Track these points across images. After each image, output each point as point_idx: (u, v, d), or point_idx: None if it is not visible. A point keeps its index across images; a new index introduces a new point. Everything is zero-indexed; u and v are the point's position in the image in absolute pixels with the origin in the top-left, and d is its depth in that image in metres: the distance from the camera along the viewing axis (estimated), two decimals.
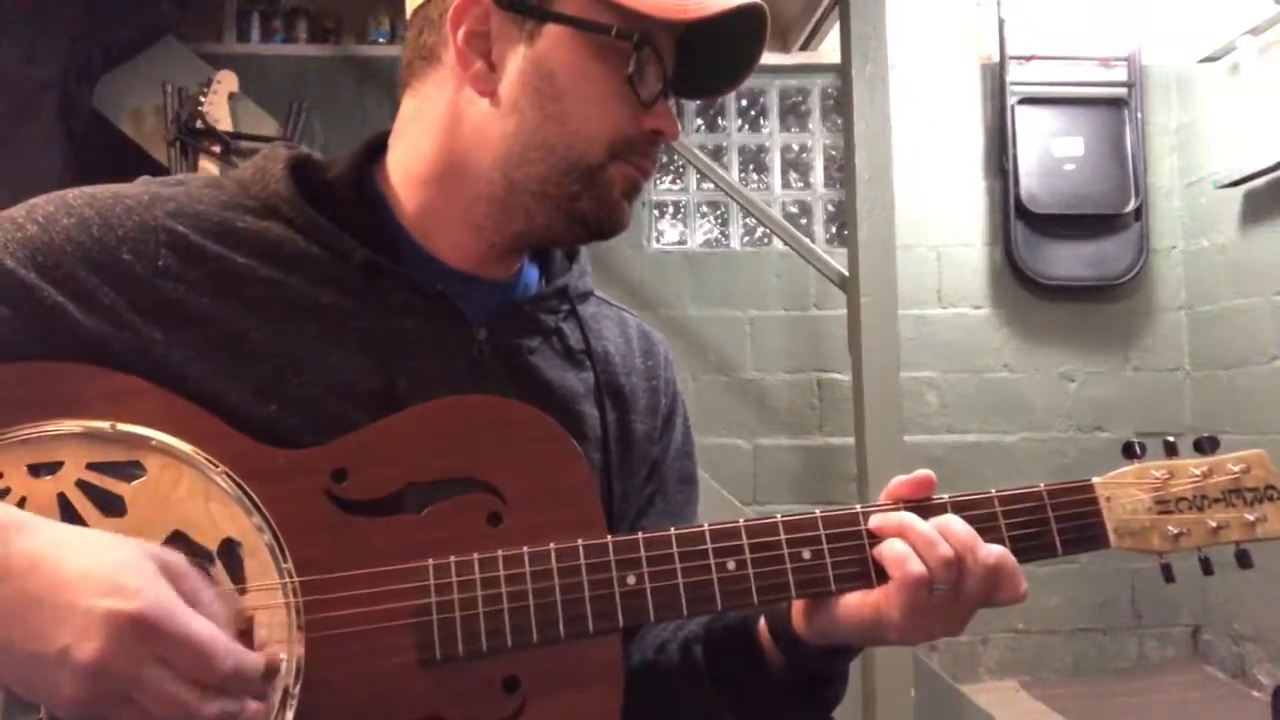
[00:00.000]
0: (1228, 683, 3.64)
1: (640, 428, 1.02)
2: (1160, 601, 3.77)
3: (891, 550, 0.84)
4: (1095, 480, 0.91)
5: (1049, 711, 3.39)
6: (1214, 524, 0.90)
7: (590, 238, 0.92)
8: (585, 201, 0.89)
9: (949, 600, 0.84)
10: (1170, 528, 0.90)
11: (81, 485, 0.77)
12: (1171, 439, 0.94)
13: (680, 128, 0.93)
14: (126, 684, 0.65)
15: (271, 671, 0.73)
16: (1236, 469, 0.91)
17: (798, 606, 0.90)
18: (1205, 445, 0.93)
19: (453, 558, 0.81)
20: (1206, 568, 0.91)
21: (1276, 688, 3.03)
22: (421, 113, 0.91)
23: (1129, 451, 0.93)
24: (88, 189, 0.86)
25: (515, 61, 0.87)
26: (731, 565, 0.84)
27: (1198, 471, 0.92)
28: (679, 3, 0.85)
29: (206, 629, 0.68)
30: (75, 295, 0.80)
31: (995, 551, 0.84)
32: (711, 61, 0.92)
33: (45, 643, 0.65)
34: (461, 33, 0.86)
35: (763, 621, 0.93)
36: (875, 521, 0.87)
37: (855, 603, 0.86)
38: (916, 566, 0.83)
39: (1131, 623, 3.82)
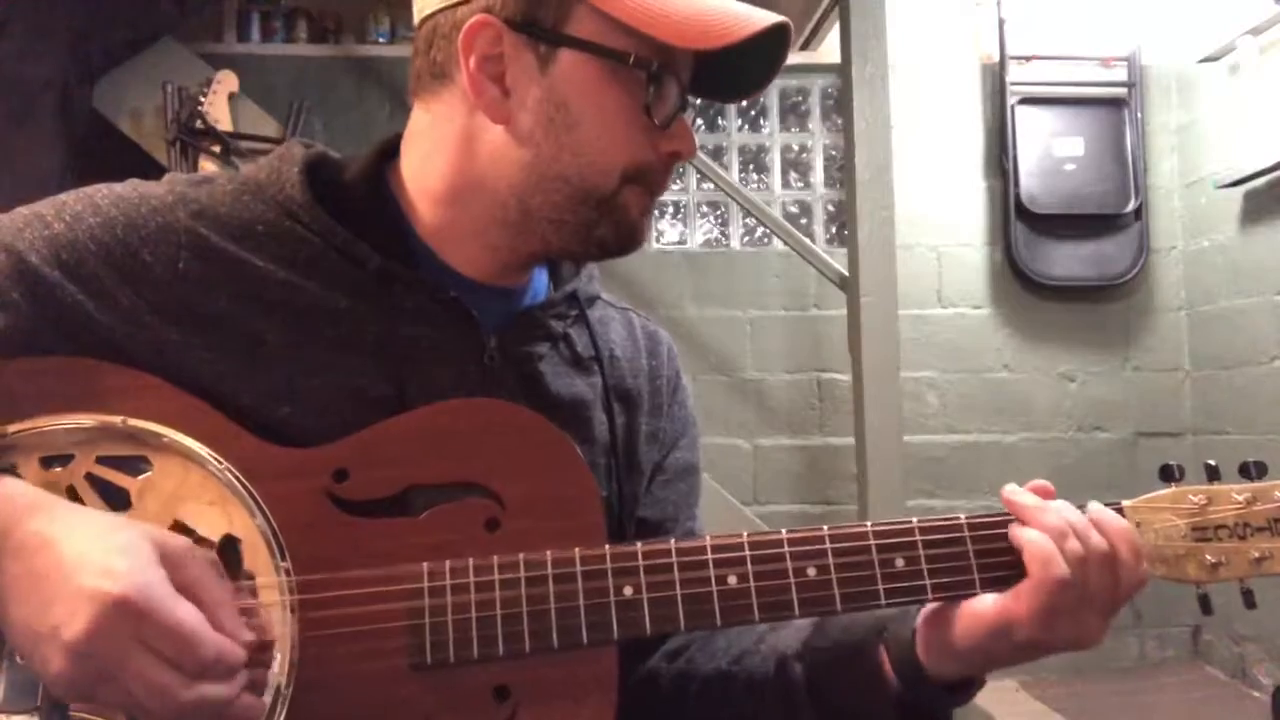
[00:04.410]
0: (1228, 683, 3.64)
1: (646, 429, 1.02)
2: (1160, 601, 3.76)
3: (1035, 544, 0.81)
4: (1126, 504, 0.87)
5: (1049, 711, 3.39)
6: (1257, 554, 0.85)
7: (608, 257, 0.92)
8: (603, 228, 0.88)
9: (1077, 598, 0.81)
10: (1208, 556, 0.85)
11: (90, 478, 0.79)
12: (1213, 463, 0.88)
13: (696, 144, 0.90)
14: (111, 665, 0.67)
15: (265, 648, 0.74)
16: None
17: (922, 632, 0.88)
18: (1251, 470, 0.87)
19: (448, 562, 0.80)
20: (1249, 600, 0.86)
21: (1276, 688, 3.04)
22: (434, 129, 0.90)
23: (1166, 474, 0.88)
24: (116, 188, 0.87)
25: (530, 88, 0.85)
26: (733, 579, 0.83)
27: (1240, 498, 0.86)
28: (700, 30, 0.82)
29: (190, 615, 0.69)
30: (95, 294, 0.82)
31: (1102, 542, 0.82)
32: (732, 70, 0.90)
33: (42, 619, 0.67)
34: (474, 59, 0.84)
35: (883, 650, 0.90)
36: (1009, 495, 0.84)
37: (978, 610, 0.84)
38: (1060, 568, 0.80)
39: (1131, 623, 3.82)
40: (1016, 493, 0.86)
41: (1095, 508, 0.85)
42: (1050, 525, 0.82)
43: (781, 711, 0.94)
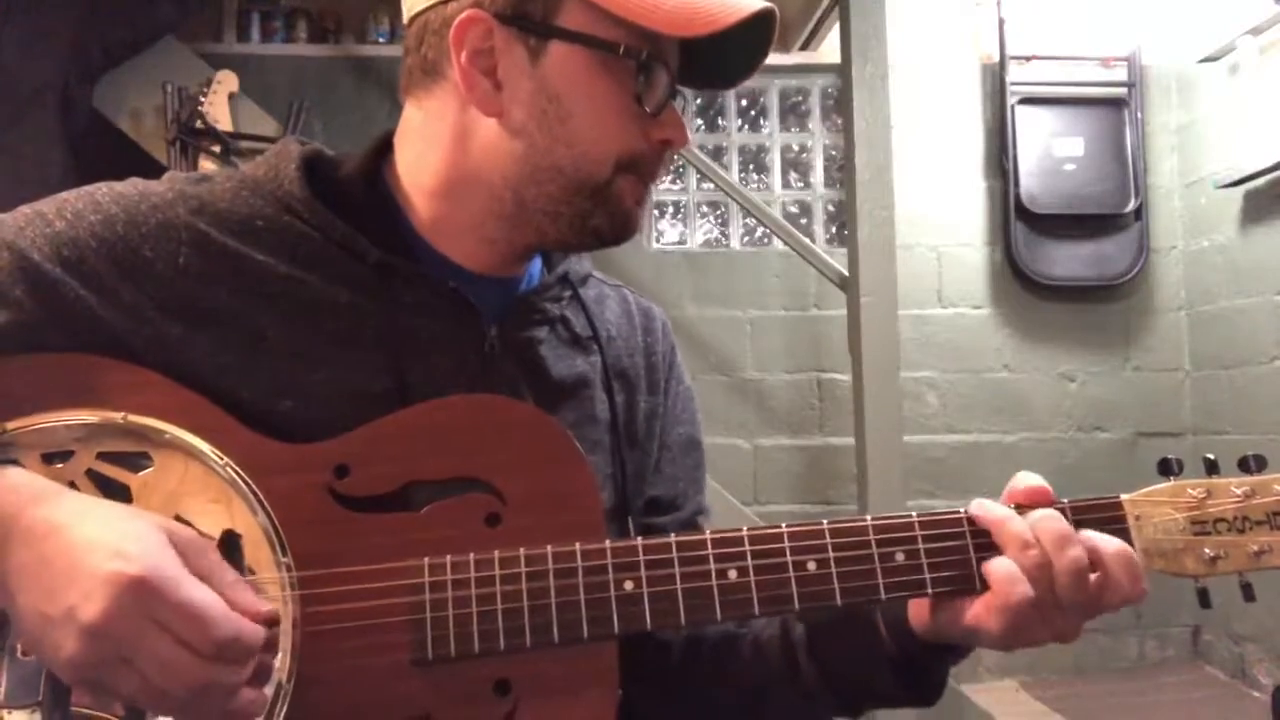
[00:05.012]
0: (1228, 683, 3.64)
1: (645, 406, 1.03)
2: (1160, 601, 3.76)
3: (1000, 569, 0.82)
4: (1124, 497, 0.87)
5: (1049, 711, 3.39)
6: (1256, 548, 0.85)
7: (604, 246, 0.93)
8: (598, 218, 0.89)
9: (1047, 606, 0.81)
10: (1207, 550, 0.85)
11: (91, 474, 0.79)
12: (1211, 457, 0.88)
13: (689, 134, 0.92)
14: (126, 646, 0.67)
15: (273, 623, 0.74)
16: None
17: (912, 609, 0.89)
18: (1251, 464, 0.87)
19: (449, 557, 0.81)
20: (1248, 594, 0.86)
21: (1276, 688, 3.03)
22: (427, 125, 0.91)
23: (1165, 469, 0.88)
24: (116, 186, 0.87)
25: (521, 81, 0.86)
26: (733, 573, 0.83)
27: (1239, 491, 0.86)
28: (687, 17, 0.83)
29: (206, 596, 0.69)
30: (97, 291, 0.82)
31: (1081, 555, 0.81)
32: (718, 57, 0.91)
33: (53, 603, 0.67)
34: (465, 54, 0.85)
35: (879, 614, 0.92)
36: (976, 512, 0.85)
37: (953, 610, 0.85)
38: (1024, 590, 0.80)
39: (1131, 623, 3.81)
40: (984, 507, 0.85)
41: (1089, 533, 0.83)
42: (1011, 537, 0.83)
43: (785, 669, 0.96)
